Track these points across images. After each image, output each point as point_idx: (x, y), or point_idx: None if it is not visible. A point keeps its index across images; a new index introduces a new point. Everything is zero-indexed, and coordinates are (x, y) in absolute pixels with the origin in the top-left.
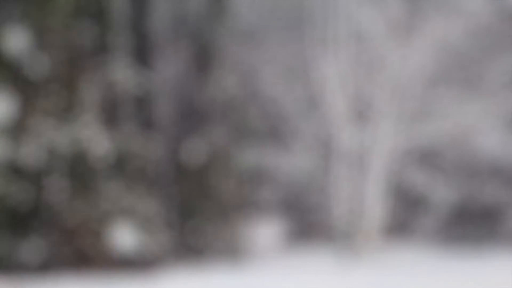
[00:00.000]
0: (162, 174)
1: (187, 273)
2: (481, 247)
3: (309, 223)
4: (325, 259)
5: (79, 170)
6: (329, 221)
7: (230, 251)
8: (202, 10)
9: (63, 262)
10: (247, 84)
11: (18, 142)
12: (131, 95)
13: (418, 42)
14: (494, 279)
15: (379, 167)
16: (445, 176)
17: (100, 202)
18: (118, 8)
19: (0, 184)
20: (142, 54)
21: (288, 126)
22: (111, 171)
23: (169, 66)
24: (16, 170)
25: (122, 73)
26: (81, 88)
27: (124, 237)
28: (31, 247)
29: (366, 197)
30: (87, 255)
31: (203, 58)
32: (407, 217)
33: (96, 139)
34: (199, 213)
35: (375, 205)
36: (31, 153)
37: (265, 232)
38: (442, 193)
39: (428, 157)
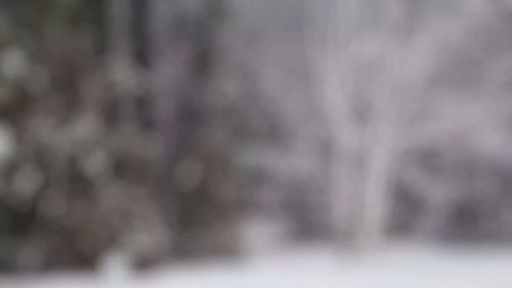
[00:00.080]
0: (162, 174)
1: (187, 273)
2: (481, 247)
3: (309, 223)
4: (325, 259)
5: (79, 171)
6: (329, 221)
7: (230, 251)
8: (202, 10)
9: (63, 263)
10: (247, 84)
11: (18, 142)
12: (131, 95)
13: (418, 42)
14: (494, 279)
15: (379, 167)
16: (445, 176)
17: (100, 202)
18: (118, 8)
19: (0, 184)
20: (142, 54)
21: (288, 126)
22: (111, 171)
23: (169, 67)
24: (16, 170)
25: (122, 73)
26: (81, 88)
27: (124, 237)
28: (31, 248)
29: (366, 197)
30: (87, 255)
31: (203, 59)
32: (407, 217)
33: (96, 139)
34: (199, 213)
35: (375, 205)
36: (31, 153)
37: (265, 232)
38: (442, 193)
39: (428, 157)
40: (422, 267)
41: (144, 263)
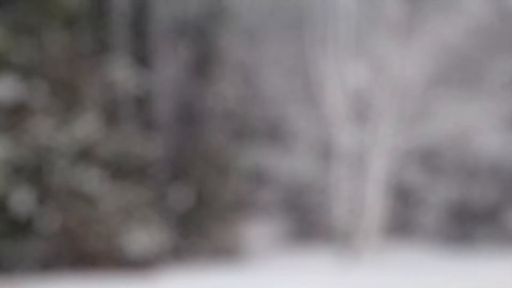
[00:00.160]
0: (162, 174)
1: (187, 274)
2: (481, 247)
3: (309, 223)
4: (325, 259)
5: (79, 170)
6: (329, 221)
7: (230, 252)
8: (202, 10)
9: (63, 262)
10: (247, 85)
11: (18, 142)
12: (131, 95)
13: (418, 42)
14: (494, 279)
15: (379, 167)
16: (445, 176)
17: (100, 202)
18: (118, 9)
19: (0, 184)
20: (142, 54)
21: (288, 126)
22: (111, 171)
23: (169, 66)
24: (16, 170)
25: (122, 74)
26: (81, 89)
27: (124, 237)
28: (32, 248)
29: (366, 197)
30: (87, 255)
31: (203, 58)
32: (407, 217)
33: (96, 139)
34: (199, 214)
35: (375, 205)
36: (31, 153)
37: (265, 232)
38: (442, 193)
39: (428, 157)
40: (422, 267)
41: (144, 263)
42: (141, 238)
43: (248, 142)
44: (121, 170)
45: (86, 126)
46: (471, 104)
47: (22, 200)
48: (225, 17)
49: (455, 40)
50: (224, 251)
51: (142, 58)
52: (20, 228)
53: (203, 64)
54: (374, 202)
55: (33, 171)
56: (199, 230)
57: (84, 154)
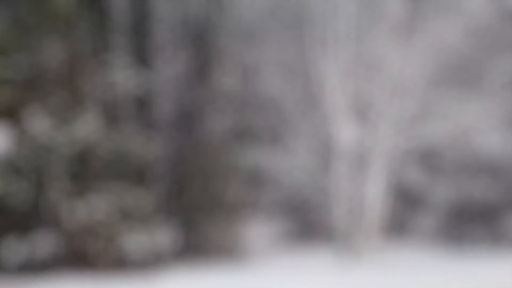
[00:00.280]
0: (162, 174)
1: (187, 274)
2: (481, 247)
3: (309, 223)
4: (325, 259)
5: (79, 170)
6: (329, 221)
7: (230, 251)
8: (202, 10)
9: (63, 262)
10: (247, 84)
11: (18, 142)
12: (131, 95)
13: (418, 42)
14: (494, 279)
15: (379, 167)
16: (445, 176)
17: (100, 202)
18: (119, 8)
19: (0, 184)
20: (142, 54)
21: (288, 126)
22: (111, 171)
23: (169, 66)
24: (16, 170)
25: (122, 73)
26: (81, 88)
27: (124, 237)
28: (32, 247)
29: (366, 197)
30: (87, 255)
31: (203, 58)
32: (407, 217)
33: (96, 139)
34: (199, 213)
35: (375, 205)
36: (31, 153)
37: (265, 232)
38: (442, 193)
39: (428, 157)
40: (422, 267)
41: (144, 264)
42: (141, 239)
43: (248, 142)
44: (121, 170)
45: (86, 126)
46: (471, 104)
47: (22, 200)
48: (225, 17)
49: (455, 40)
50: (224, 251)
51: (142, 58)
52: (20, 228)
53: (203, 64)
54: (374, 202)
55: (33, 171)
56: (199, 230)
57: (84, 154)
